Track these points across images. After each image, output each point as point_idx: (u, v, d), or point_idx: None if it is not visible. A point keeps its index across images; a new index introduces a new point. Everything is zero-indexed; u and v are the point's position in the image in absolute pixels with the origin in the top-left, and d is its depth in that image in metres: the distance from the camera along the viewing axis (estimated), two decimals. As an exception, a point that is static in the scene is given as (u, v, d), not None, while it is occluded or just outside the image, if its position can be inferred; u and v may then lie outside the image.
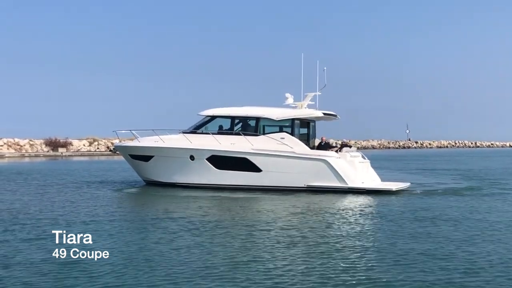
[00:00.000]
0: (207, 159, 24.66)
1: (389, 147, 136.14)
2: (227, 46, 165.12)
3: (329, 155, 23.59)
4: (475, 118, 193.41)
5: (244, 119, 25.30)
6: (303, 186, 23.50)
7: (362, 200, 20.84)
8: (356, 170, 23.68)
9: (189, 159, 24.95)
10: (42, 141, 74.68)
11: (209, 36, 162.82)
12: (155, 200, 20.80)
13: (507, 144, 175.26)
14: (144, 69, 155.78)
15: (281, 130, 24.68)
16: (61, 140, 75.97)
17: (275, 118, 24.70)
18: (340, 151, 24.56)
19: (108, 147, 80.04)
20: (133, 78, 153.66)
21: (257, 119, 24.88)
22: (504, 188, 26.00)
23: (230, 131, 24.94)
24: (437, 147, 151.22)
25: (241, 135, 24.48)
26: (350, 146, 26.70)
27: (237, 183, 24.16)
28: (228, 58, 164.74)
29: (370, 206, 18.94)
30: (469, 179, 32.13)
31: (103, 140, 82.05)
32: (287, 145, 23.80)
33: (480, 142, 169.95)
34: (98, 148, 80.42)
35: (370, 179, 24.52)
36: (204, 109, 26.10)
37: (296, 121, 25.05)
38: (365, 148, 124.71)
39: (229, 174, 24.36)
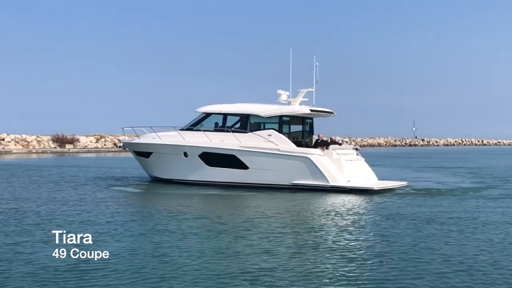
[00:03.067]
0: (199, 155, 24.99)
1: (395, 145, 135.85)
2: (234, 42, 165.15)
3: (312, 153, 23.42)
4: (482, 116, 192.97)
5: (234, 116, 25.48)
6: (288, 184, 23.43)
7: (335, 199, 20.55)
8: (342, 168, 23.34)
9: (183, 156, 25.33)
10: (49, 137, 75.02)
11: (214, 34, 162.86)
12: (156, 199, 21.03)
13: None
14: (152, 65, 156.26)
15: (269, 127, 24.73)
16: (68, 137, 76.26)
17: (263, 115, 24.82)
18: (327, 148, 24.33)
19: (115, 144, 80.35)
20: (141, 75, 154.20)
21: (247, 116, 25.01)
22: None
23: (221, 128, 25.16)
24: (444, 145, 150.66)
25: (229, 132, 24.67)
26: (340, 144, 26.65)
27: (227, 180, 24.37)
28: (234, 55, 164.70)
29: (339, 205, 18.88)
30: (469, 178, 31.86)
31: (110, 137, 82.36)
32: (273, 142, 23.81)
33: (487, 140, 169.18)
34: (105, 145, 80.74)
35: (365, 177, 24.31)
36: (207, 105, 26.51)
37: (285, 118, 25.07)
38: (371, 145, 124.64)
39: (219, 171, 24.60)
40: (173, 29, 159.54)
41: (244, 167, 24.13)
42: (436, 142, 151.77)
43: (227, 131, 24.86)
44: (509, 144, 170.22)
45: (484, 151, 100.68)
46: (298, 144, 24.93)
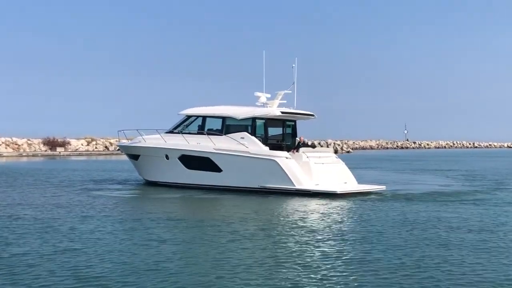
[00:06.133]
0: (178, 158, 25.25)
1: (387, 148, 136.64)
2: (232, 42, 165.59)
3: (279, 156, 23.03)
4: (474, 119, 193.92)
5: (213, 119, 25.57)
6: (257, 186, 23.21)
7: (287, 203, 19.86)
8: (310, 171, 22.87)
9: (165, 158, 25.71)
10: (40, 140, 75.03)
11: (209, 37, 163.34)
12: (152, 201, 20.95)
13: (505, 145, 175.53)
14: (142, 68, 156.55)
15: (243, 130, 24.52)
16: (59, 140, 76.36)
17: (237, 118, 24.77)
18: (297, 151, 23.89)
19: (106, 147, 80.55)
20: (131, 78, 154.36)
21: (223, 118, 25.06)
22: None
23: (200, 131, 25.31)
24: (435, 147, 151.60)
25: (204, 134, 24.84)
26: (314, 146, 26.34)
27: (203, 182, 24.46)
28: (232, 55, 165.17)
29: (281, 210, 18.16)
30: (454, 181, 31.10)
31: (101, 140, 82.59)
32: (243, 145, 23.67)
33: (478, 143, 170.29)
34: (96, 148, 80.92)
35: (342, 180, 23.83)
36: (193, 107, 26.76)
37: (259, 120, 24.84)
38: (363, 148, 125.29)
39: (196, 174, 24.73)
40: (166, 32, 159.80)
41: (218, 169, 24.22)
42: (428, 144, 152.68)
43: (203, 133, 25.04)
44: (500, 147, 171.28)
45: (475, 153, 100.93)
46: (279, 147, 24.82)
